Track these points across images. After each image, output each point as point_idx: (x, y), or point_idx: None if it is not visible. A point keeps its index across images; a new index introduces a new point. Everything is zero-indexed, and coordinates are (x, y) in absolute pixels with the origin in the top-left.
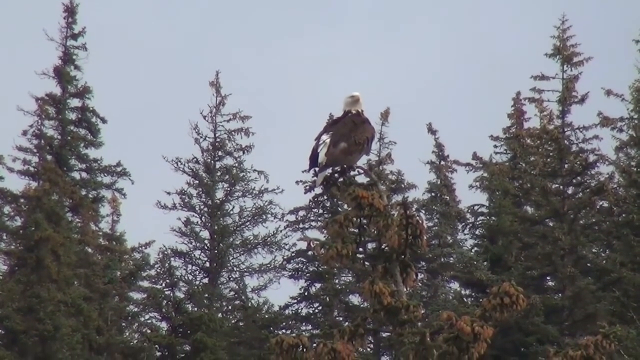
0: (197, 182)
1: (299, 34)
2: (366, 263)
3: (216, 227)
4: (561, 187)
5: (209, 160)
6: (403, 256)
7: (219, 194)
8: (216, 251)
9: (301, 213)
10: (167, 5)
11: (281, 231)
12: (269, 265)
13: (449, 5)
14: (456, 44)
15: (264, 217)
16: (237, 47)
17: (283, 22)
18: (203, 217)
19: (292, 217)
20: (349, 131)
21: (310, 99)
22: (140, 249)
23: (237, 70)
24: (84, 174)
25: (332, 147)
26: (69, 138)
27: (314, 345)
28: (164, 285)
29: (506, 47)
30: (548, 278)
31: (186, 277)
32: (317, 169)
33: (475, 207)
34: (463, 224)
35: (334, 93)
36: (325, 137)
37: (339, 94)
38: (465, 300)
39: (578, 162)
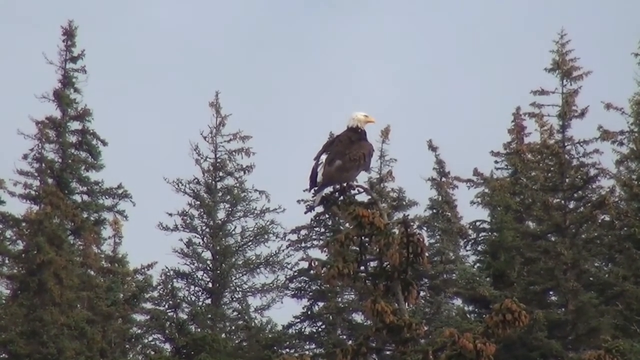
0: (198, 203)
1: (298, 50)
2: (368, 282)
3: (218, 248)
4: (562, 201)
5: (210, 180)
6: (404, 274)
7: (221, 215)
8: (218, 272)
9: (303, 232)
10: (166, 26)
11: (283, 250)
12: (271, 284)
13: (448, 21)
14: (455, 59)
15: (266, 236)
16: (237, 65)
17: (284, 36)
18: (205, 238)
19: (294, 236)
20: (344, 148)
21: (311, 116)
22: (142, 270)
23: (237, 88)
24: (85, 197)
25: (328, 166)
26: (70, 161)
27: None
28: (167, 306)
29: (506, 61)
30: (551, 293)
31: (189, 298)
32: (316, 188)
33: (477, 223)
34: (465, 240)
35: (335, 110)
36: (324, 157)
37: (339, 111)
38: (468, 316)
39: (579, 177)
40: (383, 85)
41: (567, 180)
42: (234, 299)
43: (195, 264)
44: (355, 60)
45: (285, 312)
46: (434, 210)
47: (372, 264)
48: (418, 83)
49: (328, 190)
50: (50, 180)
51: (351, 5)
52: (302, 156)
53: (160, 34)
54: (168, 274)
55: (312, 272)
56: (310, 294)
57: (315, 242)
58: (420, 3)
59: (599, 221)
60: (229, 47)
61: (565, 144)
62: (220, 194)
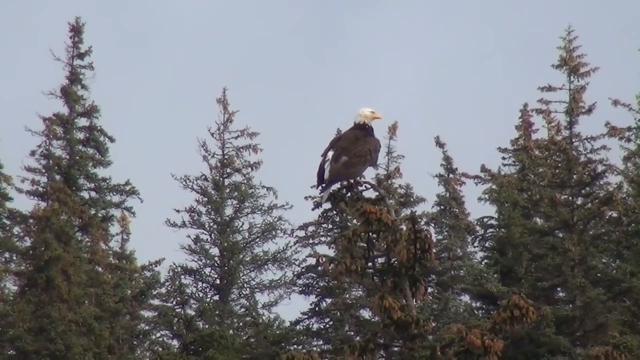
0: (206, 199)
1: (306, 46)
2: (375, 278)
3: (226, 244)
4: (570, 197)
5: (218, 177)
6: (412, 270)
7: (228, 211)
8: (226, 268)
9: (311, 228)
10: (174, 21)
11: (291, 247)
12: (279, 281)
13: (456, 18)
14: (462, 55)
15: (274, 233)
16: (245, 61)
17: (294, 30)
18: (212, 235)
19: (301, 233)
20: (350, 144)
21: (319, 112)
22: (150, 267)
23: (244, 85)
24: (92, 193)
25: (334, 162)
26: (77, 157)
27: None
28: (174, 303)
29: (513, 58)
30: (558, 289)
31: (197, 295)
32: (324, 185)
33: (485, 220)
34: (473, 236)
35: (343, 106)
36: (331, 153)
37: (347, 107)
38: (476, 312)
39: (586, 173)
40: (390, 82)
41: (574, 176)
42: (242, 296)
43: (203, 261)
44: (363, 58)
45: (293, 308)
46: (442, 207)
47: (380, 260)
48: (425, 80)
49: (335, 186)
50: (57, 177)
51: (361, 4)
52: (309, 152)
53: (167, 29)
54: (176, 270)
55: (319, 268)
56: (318, 290)
57: (323, 239)
58: (428, 0)
59: (607, 217)
60: (237, 42)
61: (573, 141)
62: (227, 191)
